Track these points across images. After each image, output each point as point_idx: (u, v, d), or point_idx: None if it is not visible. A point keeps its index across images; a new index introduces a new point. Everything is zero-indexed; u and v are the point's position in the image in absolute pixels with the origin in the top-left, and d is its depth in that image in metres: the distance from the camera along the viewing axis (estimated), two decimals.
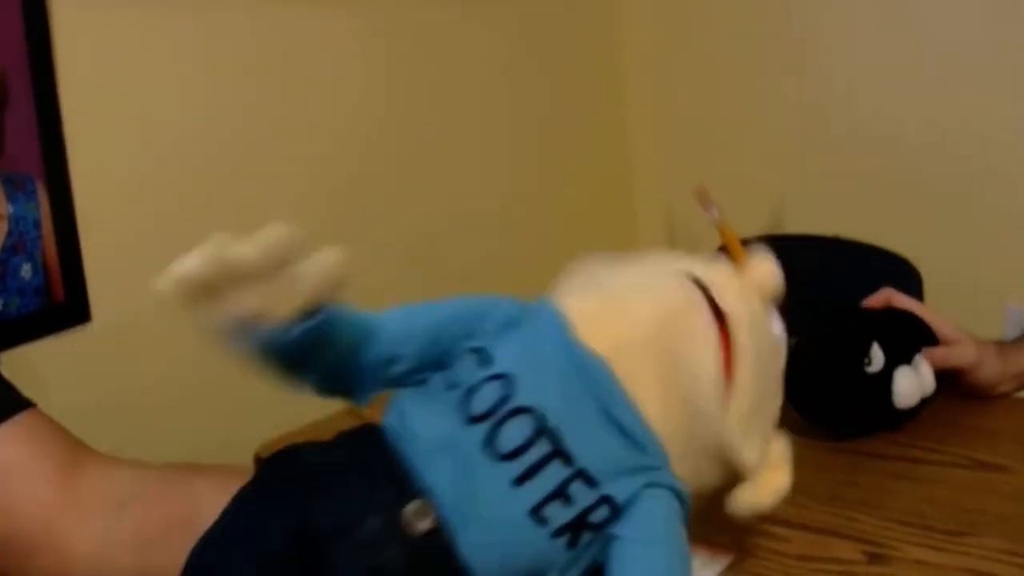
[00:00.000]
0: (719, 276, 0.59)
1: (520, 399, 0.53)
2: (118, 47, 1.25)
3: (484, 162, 1.79)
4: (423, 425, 0.54)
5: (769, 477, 0.61)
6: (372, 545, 0.50)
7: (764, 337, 0.60)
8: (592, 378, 0.54)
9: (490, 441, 0.52)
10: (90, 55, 1.22)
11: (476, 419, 0.53)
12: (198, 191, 1.35)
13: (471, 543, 0.51)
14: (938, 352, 0.94)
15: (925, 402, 0.92)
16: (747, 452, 0.57)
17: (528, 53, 1.87)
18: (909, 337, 0.94)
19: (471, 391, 0.54)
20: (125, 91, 1.26)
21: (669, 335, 0.56)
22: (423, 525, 0.51)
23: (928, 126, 1.79)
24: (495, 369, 0.54)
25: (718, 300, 0.57)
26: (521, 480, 0.52)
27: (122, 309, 1.26)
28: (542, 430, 0.52)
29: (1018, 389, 0.98)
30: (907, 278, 1.34)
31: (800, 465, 0.80)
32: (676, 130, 2.11)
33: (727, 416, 0.56)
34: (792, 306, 1.28)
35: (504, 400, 0.53)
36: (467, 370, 0.55)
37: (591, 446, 0.53)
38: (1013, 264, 1.77)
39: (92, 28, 1.22)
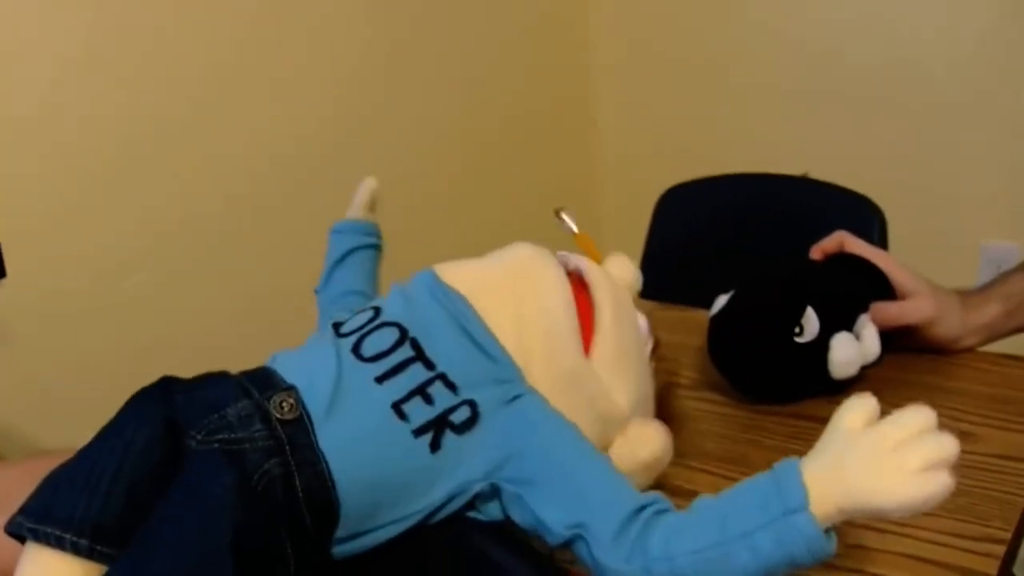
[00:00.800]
0: (581, 259, 0.68)
1: (385, 317, 0.63)
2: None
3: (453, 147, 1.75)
4: (300, 351, 0.63)
5: (645, 432, 0.65)
6: (237, 424, 0.55)
7: (627, 311, 0.67)
8: (450, 303, 0.62)
9: (357, 347, 0.61)
10: None
11: (345, 335, 0.62)
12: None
13: (332, 433, 0.56)
14: (891, 309, 0.84)
15: (868, 367, 0.83)
16: (616, 394, 0.63)
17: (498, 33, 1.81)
18: (856, 293, 0.84)
19: (345, 322, 0.64)
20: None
21: (521, 281, 0.64)
22: (288, 412, 0.56)
23: (890, 52, 1.71)
24: (371, 303, 0.66)
25: (572, 263, 0.67)
26: (383, 378, 0.59)
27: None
28: (403, 339, 0.61)
29: (984, 343, 0.89)
30: (869, 219, 1.25)
31: (737, 432, 0.72)
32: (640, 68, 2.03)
33: (591, 358, 0.62)
34: (748, 248, 1.21)
35: (371, 320, 0.63)
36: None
37: (449, 355, 0.60)
38: (987, 199, 1.70)
39: None
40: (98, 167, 1.25)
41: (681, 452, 0.76)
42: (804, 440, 0.75)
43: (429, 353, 0.60)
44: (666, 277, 1.37)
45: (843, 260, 0.89)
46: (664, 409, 0.83)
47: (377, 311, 0.64)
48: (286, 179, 1.49)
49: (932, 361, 0.87)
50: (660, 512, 0.54)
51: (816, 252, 0.90)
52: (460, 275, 0.65)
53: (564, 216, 0.80)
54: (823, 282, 0.85)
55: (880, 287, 0.86)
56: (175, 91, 1.32)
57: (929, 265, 0.93)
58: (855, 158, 1.80)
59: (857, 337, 0.81)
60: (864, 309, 0.83)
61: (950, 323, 0.86)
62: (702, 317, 1.04)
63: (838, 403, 0.78)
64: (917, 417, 0.51)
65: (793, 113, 1.88)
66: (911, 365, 0.87)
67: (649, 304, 1.09)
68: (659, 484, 0.71)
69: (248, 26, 1.39)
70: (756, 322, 0.82)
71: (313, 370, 0.59)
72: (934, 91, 1.72)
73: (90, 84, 1.24)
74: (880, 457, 0.49)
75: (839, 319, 0.81)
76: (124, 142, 1.28)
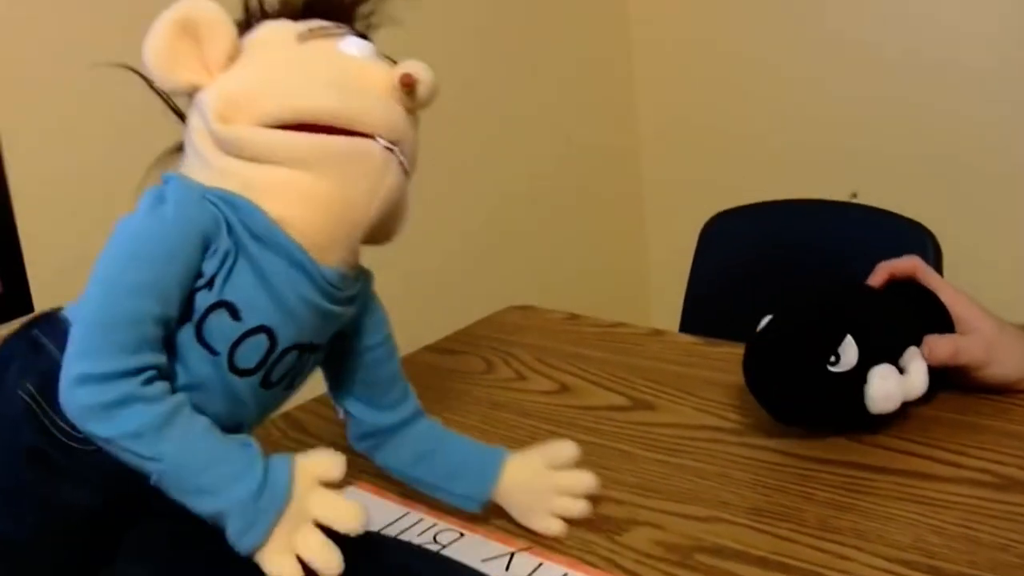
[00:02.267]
0: None
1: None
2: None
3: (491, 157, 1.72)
4: None
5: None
6: None
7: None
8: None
9: None
10: None
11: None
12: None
13: None
14: (942, 347, 0.79)
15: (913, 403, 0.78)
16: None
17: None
18: (905, 324, 0.80)
19: None
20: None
21: None
22: None
23: (942, 71, 1.65)
24: None
25: None
26: None
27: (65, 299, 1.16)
28: None
29: None
30: (922, 246, 1.20)
31: (788, 483, 0.68)
32: (685, 86, 2.00)
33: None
34: (798, 277, 1.16)
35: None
36: None
37: None
38: None
39: None
40: None
41: (728, 505, 0.72)
42: (860, 492, 0.72)
43: None
44: (713, 310, 1.34)
45: (903, 289, 0.85)
46: (708, 457, 0.80)
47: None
48: None
49: (997, 403, 0.82)
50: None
51: (884, 273, 0.85)
52: None
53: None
54: (869, 310, 0.80)
55: (939, 322, 0.81)
56: None
57: (985, 294, 0.88)
58: (905, 180, 1.74)
59: (902, 371, 0.77)
60: (915, 342, 0.78)
61: (1008, 364, 0.81)
62: None
63: (899, 449, 0.76)
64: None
65: (841, 135, 1.83)
66: (974, 405, 0.81)
67: (694, 339, 1.05)
68: (706, 544, 0.67)
69: None
70: (788, 347, 0.79)
71: None
72: (988, 111, 1.65)
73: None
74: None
75: (882, 350, 0.77)
76: None
